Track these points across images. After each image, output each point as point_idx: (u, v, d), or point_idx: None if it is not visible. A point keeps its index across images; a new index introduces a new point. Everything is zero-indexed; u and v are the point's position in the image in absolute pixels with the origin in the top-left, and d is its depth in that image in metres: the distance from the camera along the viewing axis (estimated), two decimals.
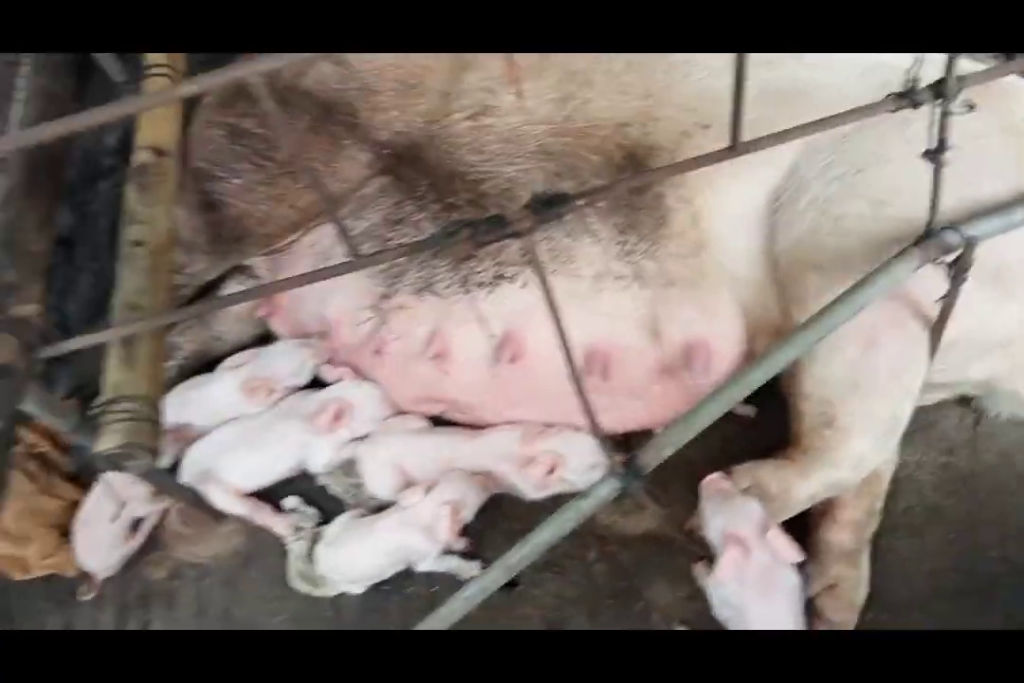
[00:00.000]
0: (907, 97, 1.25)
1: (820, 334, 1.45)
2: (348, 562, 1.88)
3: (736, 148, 1.29)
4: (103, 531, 1.99)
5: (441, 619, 1.65)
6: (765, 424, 1.99)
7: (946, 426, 1.96)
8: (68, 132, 0.99)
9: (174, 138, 1.95)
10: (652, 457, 1.54)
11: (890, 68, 1.74)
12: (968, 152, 1.41)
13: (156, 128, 1.91)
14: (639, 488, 1.56)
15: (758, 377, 1.49)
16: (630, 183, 1.33)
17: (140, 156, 1.88)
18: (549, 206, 1.29)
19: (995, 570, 1.80)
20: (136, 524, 2.04)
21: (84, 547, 2.00)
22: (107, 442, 1.48)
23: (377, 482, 1.98)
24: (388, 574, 1.91)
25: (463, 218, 1.84)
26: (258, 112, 2.01)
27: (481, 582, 1.64)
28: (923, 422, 1.89)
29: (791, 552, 1.64)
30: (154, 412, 1.53)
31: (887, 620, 1.77)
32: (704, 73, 1.87)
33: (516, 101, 1.91)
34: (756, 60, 1.82)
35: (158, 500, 2.04)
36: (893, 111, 1.28)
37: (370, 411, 2.01)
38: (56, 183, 1.68)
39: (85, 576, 2.02)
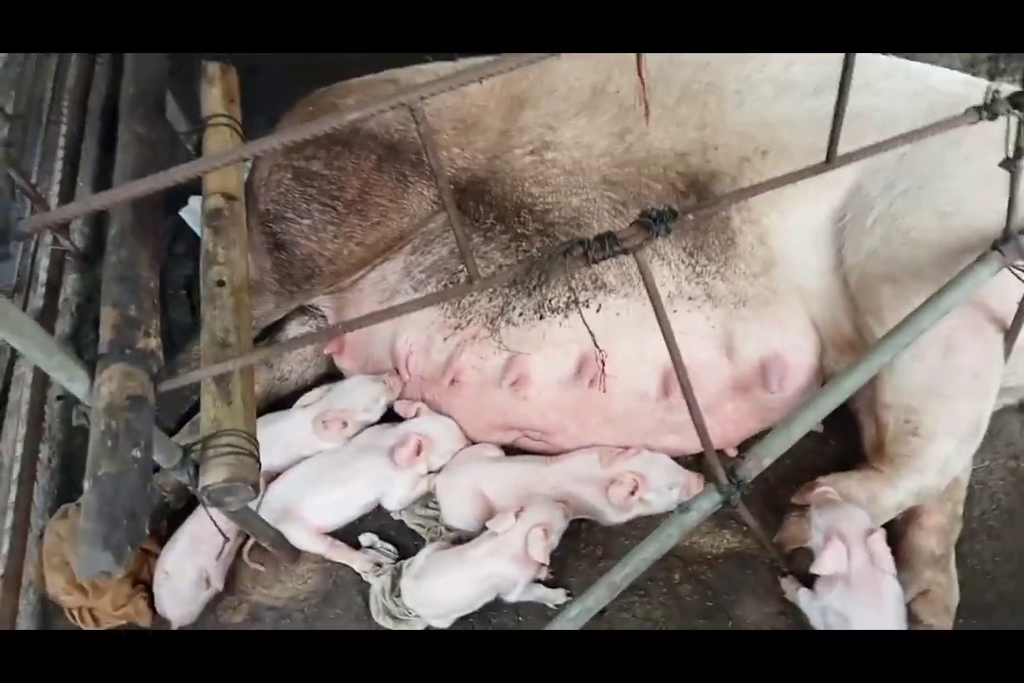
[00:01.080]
0: (987, 109, 1.34)
1: (910, 337, 1.52)
2: (436, 594, 1.87)
3: (832, 161, 1.37)
4: (184, 584, 1.97)
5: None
6: (834, 440, 2.05)
7: (1011, 431, 2.02)
8: (167, 184, 1.13)
9: (240, 183, 2.01)
10: (753, 467, 1.58)
11: (935, 92, 1.87)
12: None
13: (223, 175, 1.97)
14: (739, 500, 1.60)
15: (853, 383, 1.54)
16: (733, 199, 1.39)
17: (211, 201, 1.93)
18: (658, 222, 1.36)
19: None
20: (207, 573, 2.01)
21: (167, 598, 1.98)
22: (213, 477, 1.49)
23: (457, 512, 1.99)
24: (476, 606, 1.89)
25: (542, 245, 1.96)
26: (323, 154, 2.08)
27: (584, 602, 1.64)
28: (989, 428, 1.92)
29: (889, 560, 1.66)
30: (254, 447, 1.54)
31: (978, 623, 1.79)
32: (756, 103, 1.97)
33: (577, 136, 2.00)
34: (806, 89, 1.95)
35: (228, 555, 2.02)
36: (974, 123, 1.36)
37: (448, 444, 2.03)
38: (159, 222, 1.72)
39: (163, 623, 1.98)
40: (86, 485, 1.19)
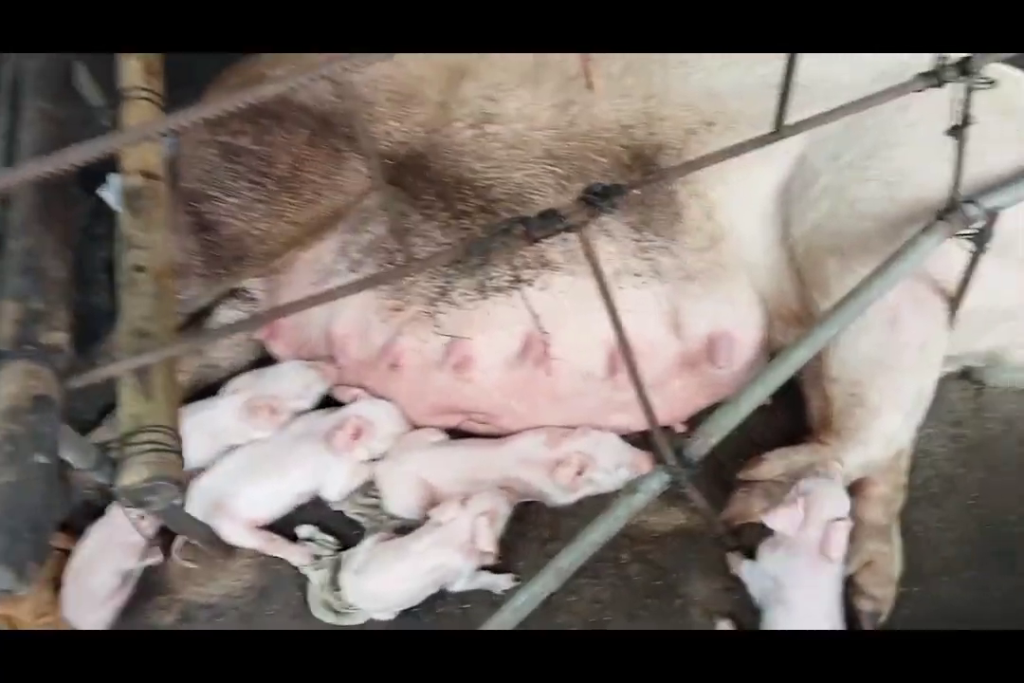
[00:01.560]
0: (935, 76, 1.32)
1: (857, 310, 1.51)
2: (380, 589, 1.80)
3: (781, 131, 1.33)
4: (94, 585, 1.85)
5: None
6: (781, 413, 2.04)
7: (952, 399, 2.03)
8: (73, 163, 1.05)
9: (160, 161, 1.90)
10: (701, 446, 1.56)
11: (884, 59, 1.85)
12: (971, 133, 1.48)
13: (141, 152, 1.85)
14: (688, 479, 1.58)
15: (800, 357, 1.53)
16: (679, 172, 1.35)
17: (130, 181, 1.81)
18: (602, 197, 1.31)
19: (1015, 531, 1.86)
20: (126, 576, 1.90)
21: (73, 602, 1.85)
22: (132, 476, 1.38)
23: (400, 500, 1.92)
24: (420, 599, 1.83)
25: (479, 224, 1.89)
26: (252, 129, 1.97)
27: (531, 589, 1.60)
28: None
29: (840, 551, 1.64)
30: (177, 442, 1.45)
31: (920, 591, 1.80)
32: (702, 74, 1.94)
33: (521, 107, 1.94)
34: (753, 57, 1.92)
35: (152, 552, 1.92)
36: (920, 90, 1.35)
37: (389, 428, 1.96)
38: (67, 207, 1.60)
39: None
40: None
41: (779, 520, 1.61)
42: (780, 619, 1.64)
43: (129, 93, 1.94)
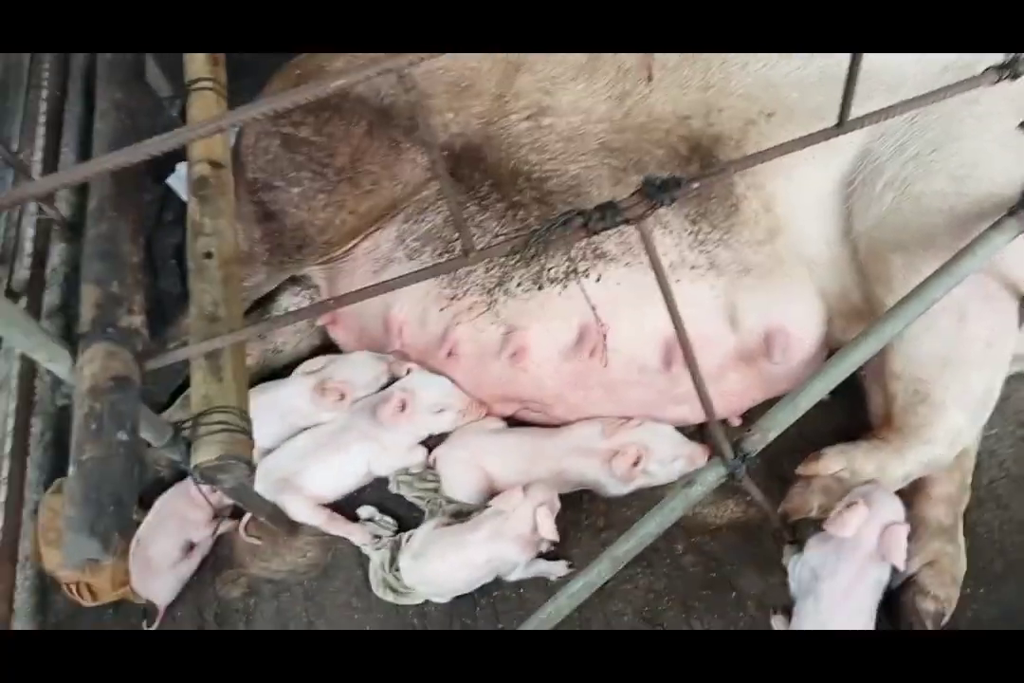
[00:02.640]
0: (1009, 68, 1.27)
1: (922, 307, 1.47)
2: (436, 575, 1.85)
3: (843, 125, 1.30)
4: (154, 553, 1.95)
5: (548, 618, 1.63)
6: (840, 409, 2.01)
7: (1020, 398, 1.98)
8: (145, 156, 1.07)
9: (227, 150, 1.94)
10: (758, 440, 1.54)
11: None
12: None
13: (209, 142, 1.89)
14: (745, 473, 1.57)
15: (861, 354, 1.50)
16: (739, 166, 1.32)
17: (197, 169, 1.86)
18: (662, 190, 1.30)
19: None
20: (190, 548, 2.00)
21: (136, 569, 1.95)
22: (204, 455, 1.44)
23: (457, 484, 1.96)
24: (476, 586, 1.88)
25: (539, 215, 1.90)
26: (312, 120, 2.00)
27: (587, 577, 1.61)
28: (999, 396, 1.90)
29: (900, 554, 1.62)
30: (247, 423, 1.50)
31: (985, 594, 1.77)
32: (761, 63, 1.89)
33: (575, 100, 1.93)
34: None
35: (214, 525, 2.01)
36: (994, 83, 1.30)
37: (437, 399, 1.98)
38: (140, 194, 1.66)
39: (151, 605, 1.96)
40: (70, 470, 1.15)
41: (849, 527, 1.59)
42: (808, 610, 1.63)
43: (195, 84, 2.00)
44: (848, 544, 1.62)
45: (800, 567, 1.68)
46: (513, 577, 1.87)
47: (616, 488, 1.94)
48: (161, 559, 1.95)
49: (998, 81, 1.30)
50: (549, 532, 1.78)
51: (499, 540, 1.79)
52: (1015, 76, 1.30)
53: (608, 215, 1.30)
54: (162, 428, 1.53)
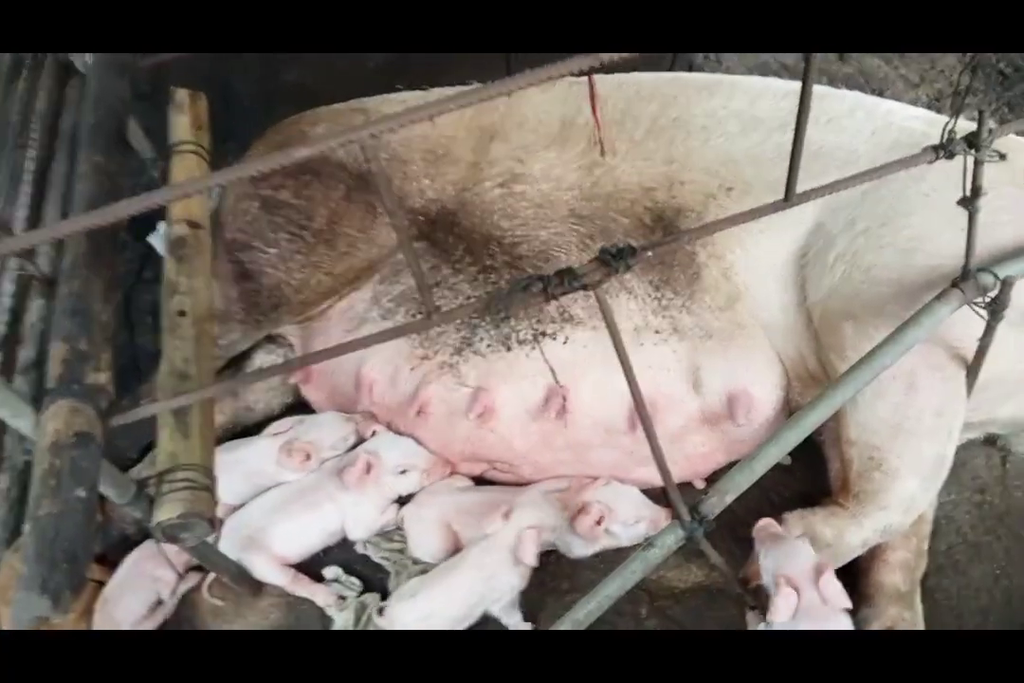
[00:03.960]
0: (944, 149, 1.35)
1: (872, 373, 1.52)
2: (433, 607, 1.82)
3: (790, 199, 1.38)
4: (120, 613, 1.91)
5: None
6: (800, 472, 2.05)
7: (976, 465, 2.03)
8: (124, 215, 1.10)
9: (205, 211, 2.00)
10: (716, 503, 1.57)
11: (897, 130, 1.90)
12: (987, 203, 1.51)
13: (188, 202, 1.95)
14: (703, 536, 1.59)
15: (815, 419, 1.54)
16: (693, 235, 1.39)
17: (176, 230, 1.91)
18: (617, 258, 1.36)
19: None
20: (156, 607, 1.96)
21: (101, 629, 1.90)
22: (166, 512, 1.45)
23: (423, 543, 1.96)
24: (470, 618, 1.85)
25: (503, 278, 1.96)
26: (292, 184, 2.07)
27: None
28: (954, 462, 1.93)
29: (843, 599, 1.64)
30: (211, 481, 1.51)
31: None
32: (721, 139, 1.99)
33: (548, 169, 2.01)
34: (771, 124, 1.98)
35: (182, 584, 1.99)
36: (931, 162, 1.38)
37: (401, 460, 1.99)
38: (116, 254, 1.70)
39: None
40: (26, 526, 1.16)
41: (781, 613, 1.60)
42: None
43: (178, 147, 2.07)
44: (801, 613, 1.63)
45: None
46: (497, 609, 1.86)
47: (580, 548, 1.94)
48: (126, 618, 1.91)
49: (935, 160, 1.38)
50: (528, 556, 1.81)
51: (491, 555, 1.82)
52: (951, 156, 1.38)
53: (567, 280, 1.35)
54: (125, 485, 1.54)
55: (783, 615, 1.62)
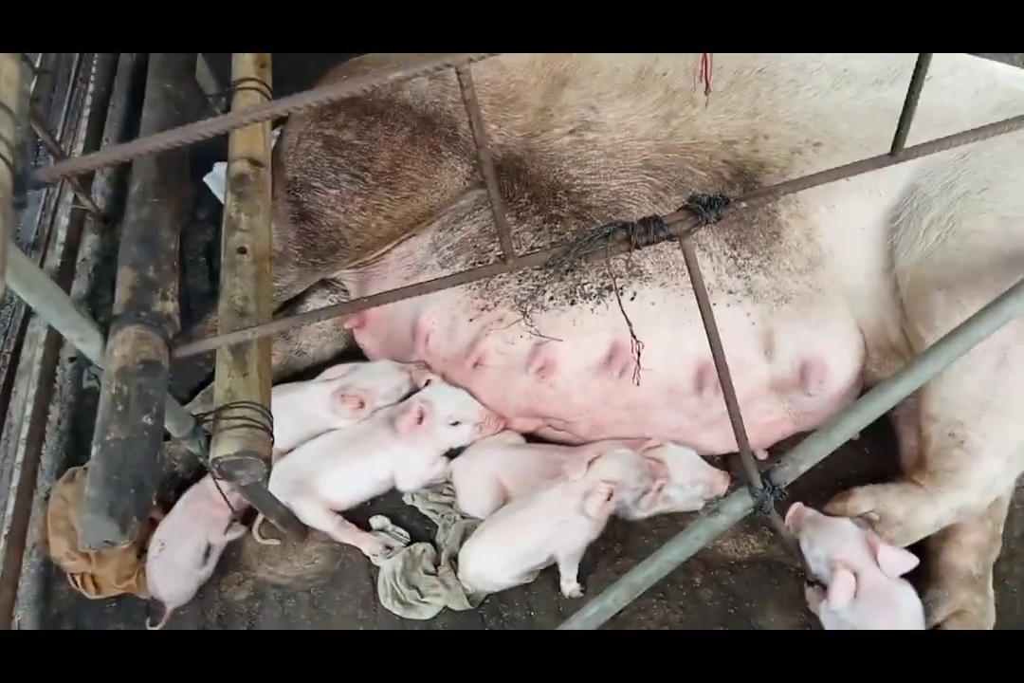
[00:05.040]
0: None
1: (964, 346, 1.42)
2: (503, 546, 1.81)
3: (897, 154, 1.28)
4: (180, 556, 1.91)
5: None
6: (869, 449, 1.96)
7: None
8: (191, 139, 1.04)
9: (267, 149, 1.94)
10: (790, 472, 1.49)
11: (1002, 90, 1.77)
12: None
13: (250, 139, 1.89)
14: (772, 506, 1.52)
15: (900, 391, 1.45)
16: (788, 189, 1.30)
17: (236, 166, 1.85)
18: (709, 208, 1.27)
19: None
20: (208, 550, 1.96)
21: (159, 572, 1.91)
22: (224, 449, 1.42)
23: (472, 497, 1.93)
24: (539, 559, 1.83)
25: (576, 228, 1.88)
26: (356, 124, 2.00)
27: (602, 602, 1.56)
28: None
29: (907, 560, 1.59)
30: (267, 419, 1.48)
31: None
32: (811, 92, 1.88)
33: (621, 118, 1.91)
34: (865, 80, 1.86)
35: (235, 529, 1.98)
36: None
37: (454, 411, 1.94)
38: (183, 181, 1.65)
39: (157, 603, 1.92)
40: (93, 450, 1.13)
41: (841, 599, 1.57)
42: None
43: (242, 84, 2.00)
44: (864, 591, 1.58)
45: (838, 622, 1.62)
46: (562, 556, 1.82)
47: (635, 511, 1.88)
48: (185, 562, 1.92)
49: None
50: (594, 509, 1.77)
51: (567, 500, 1.78)
52: None
53: (652, 229, 1.28)
54: (184, 419, 1.51)
55: (843, 600, 1.57)
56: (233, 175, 1.83)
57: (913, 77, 1.26)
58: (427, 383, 2.01)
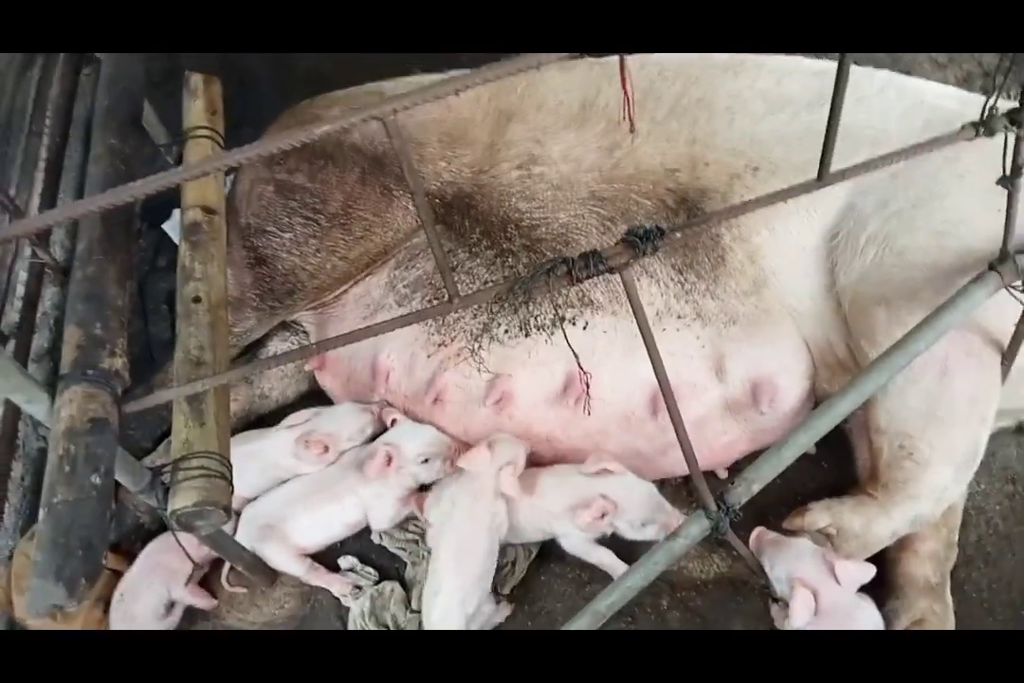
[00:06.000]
0: (984, 125, 1.30)
1: (905, 359, 1.47)
2: (463, 547, 1.82)
3: (824, 178, 1.33)
4: (139, 609, 1.89)
5: None
6: (826, 463, 2.00)
7: (1007, 455, 1.97)
8: (138, 196, 1.07)
9: (220, 196, 1.97)
10: (743, 493, 1.53)
11: (930, 109, 1.83)
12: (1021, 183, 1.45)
13: (202, 188, 1.92)
14: (728, 527, 1.55)
15: (845, 406, 1.50)
16: (721, 217, 1.34)
17: (190, 215, 1.88)
18: (644, 240, 1.31)
19: None
20: (171, 603, 1.94)
21: (118, 624, 1.88)
22: (182, 501, 1.42)
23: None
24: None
25: (528, 262, 1.91)
26: (307, 167, 2.03)
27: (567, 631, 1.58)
28: (985, 451, 1.88)
29: (865, 570, 1.62)
30: (227, 469, 1.49)
31: None
32: (747, 119, 1.93)
33: (566, 150, 1.96)
34: (799, 104, 1.92)
35: (197, 577, 1.96)
36: (970, 139, 1.33)
37: (421, 449, 1.94)
38: (130, 237, 1.67)
39: None
40: (41, 513, 1.13)
41: (799, 617, 1.59)
42: None
43: (193, 132, 2.03)
44: (825, 608, 1.60)
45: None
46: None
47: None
48: (144, 614, 1.89)
49: (975, 137, 1.33)
50: (511, 489, 1.82)
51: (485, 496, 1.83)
52: (991, 133, 1.32)
53: (592, 263, 1.31)
54: (139, 472, 1.51)
55: (803, 618, 1.59)
56: (187, 224, 1.86)
57: (832, 104, 1.30)
58: (393, 421, 2.02)
